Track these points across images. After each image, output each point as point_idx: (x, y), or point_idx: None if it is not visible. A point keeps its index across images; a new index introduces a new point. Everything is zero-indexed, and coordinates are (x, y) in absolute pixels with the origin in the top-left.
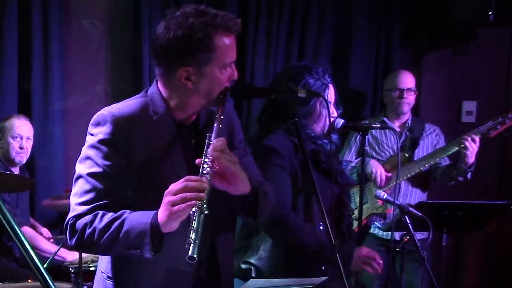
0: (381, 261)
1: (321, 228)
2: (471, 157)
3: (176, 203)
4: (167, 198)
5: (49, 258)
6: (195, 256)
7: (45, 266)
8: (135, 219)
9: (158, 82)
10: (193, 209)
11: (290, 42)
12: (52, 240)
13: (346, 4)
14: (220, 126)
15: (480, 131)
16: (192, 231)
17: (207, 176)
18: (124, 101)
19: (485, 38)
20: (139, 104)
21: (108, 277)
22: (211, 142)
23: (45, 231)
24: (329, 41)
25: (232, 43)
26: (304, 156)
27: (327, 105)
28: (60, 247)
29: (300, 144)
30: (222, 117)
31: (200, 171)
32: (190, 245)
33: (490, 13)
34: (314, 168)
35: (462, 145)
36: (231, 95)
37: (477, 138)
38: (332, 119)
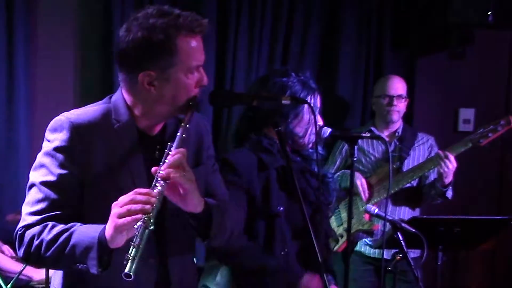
0: None
1: (282, 253)
2: (446, 177)
3: (122, 216)
4: (113, 210)
5: (13, 278)
6: (131, 273)
7: (9, 286)
8: (83, 232)
9: (122, 89)
10: (138, 224)
11: (274, 45)
12: (14, 258)
13: (334, 4)
14: (184, 135)
15: (471, 139)
16: (132, 247)
17: (160, 188)
18: (86, 106)
19: (483, 41)
20: (101, 111)
21: None
22: (170, 152)
23: (6, 248)
24: (315, 43)
25: (197, 45)
26: (290, 171)
27: (314, 113)
28: (25, 266)
29: (286, 156)
30: (187, 125)
31: (154, 181)
32: (128, 261)
33: (489, 13)
34: (281, 188)
35: (437, 163)
36: (210, 102)
37: (451, 156)
38: (317, 127)
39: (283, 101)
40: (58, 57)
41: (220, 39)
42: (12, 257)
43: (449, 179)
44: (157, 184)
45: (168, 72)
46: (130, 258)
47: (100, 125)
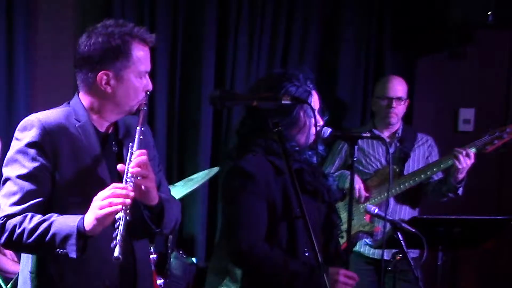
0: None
1: (307, 254)
2: (461, 173)
3: (103, 207)
4: (94, 203)
5: (11, 278)
6: (120, 256)
7: (9, 286)
8: (62, 222)
9: (80, 92)
10: (119, 215)
11: (274, 45)
12: (17, 261)
13: (334, 4)
14: (141, 137)
15: (476, 145)
16: (118, 234)
17: (132, 184)
18: (48, 110)
19: (483, 41)
20: (64, 113)
21: (37, 275)
22: (133, 151)
23: (9, 252)
24: (315, 43)
25: (146, 54)
26: (290, 173)
27: (313, 113)
28: None
29: (285, 157)
30: (142, 128)
31: (124, 178)
32: (116, 247)
33: (489, 13)
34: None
35: (456, 158)
36: (210, 102)
37: (472, 153)
38: (318, 128)
39: (283, 101)
40: (58, 57)
41: (220, 39)
42: (13, 260)
43: (463, 175)
44: (128, 180)
45: (122, 73)
46: (118, 243)
47: (64, 124)
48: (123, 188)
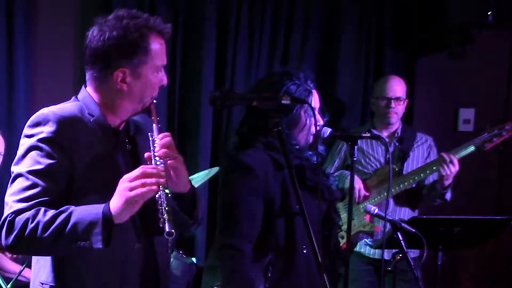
0: None
1: (305, 251)
2: (447, 180)
3: (135, 189)
4: (123, 185)
5: (11, 278)
6: (172, 231)
7: (9, 286)
8: (84, 210)
9: (88, 87)
10: (159, 193)
11: (274, 45)
12: (12, 258)
13: (334, 4)
14: (159, 125)
15: (475, 143)
16: (164, 211)
17: (162, 166)
18: (59, 104)
19: (483, 41)
20: (76, 106)
21: (51, 286)
22: (154, 138)
23: None
24: (315, 43)
25: (163, 47)
26: (290, 171)
27: (313, 112)
28: (24, 267)
29: (286, 156)
30: (158, 118)
31: (153, 163)
32: (165, 223)
33: (489, 13)
34: (299, 185)
35: (440, 166)
36: (210, 102)
37: (455, 160)
38: (318, 127)
39: (283, 101)
40: (58, 57)
41: (220, 39)
42: (15, 258)
43: (449, 181)
44: (157, 164)
45: (139, 70)
46: (167, 220)
47: (79, 118)
48: (153, 168)
